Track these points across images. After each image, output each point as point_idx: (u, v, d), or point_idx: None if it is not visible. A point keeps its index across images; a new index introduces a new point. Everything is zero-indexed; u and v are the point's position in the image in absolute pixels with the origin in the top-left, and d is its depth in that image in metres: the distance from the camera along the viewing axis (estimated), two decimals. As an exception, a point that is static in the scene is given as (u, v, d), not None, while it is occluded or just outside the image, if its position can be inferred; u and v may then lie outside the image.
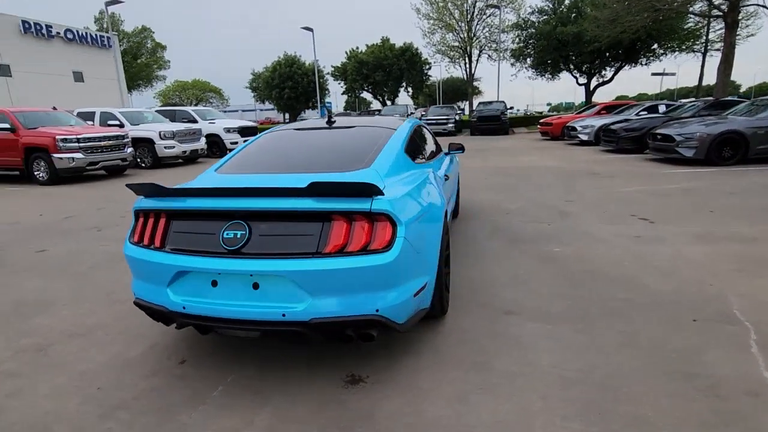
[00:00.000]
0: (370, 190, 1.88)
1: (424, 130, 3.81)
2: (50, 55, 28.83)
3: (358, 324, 1.90)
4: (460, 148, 4.34)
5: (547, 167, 9.21)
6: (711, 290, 2.95)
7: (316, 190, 1.86)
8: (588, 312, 2.72)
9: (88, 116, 12.19)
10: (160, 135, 11.58)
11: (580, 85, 27.49)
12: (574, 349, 2.31)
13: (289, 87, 35.93)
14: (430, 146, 3.67)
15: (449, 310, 2.81)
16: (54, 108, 10.62)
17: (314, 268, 1.82)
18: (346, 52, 38.42)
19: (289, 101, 36.65)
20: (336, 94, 53.66)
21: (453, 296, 3.00)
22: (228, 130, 14.29)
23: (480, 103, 23.18)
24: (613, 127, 11.54)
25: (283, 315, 1.85)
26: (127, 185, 2.22)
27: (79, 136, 9.18)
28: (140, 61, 39.93)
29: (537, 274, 3.36)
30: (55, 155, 8.94)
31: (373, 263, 1.84)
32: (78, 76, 30.93)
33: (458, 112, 23.69)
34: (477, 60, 29.86)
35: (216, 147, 14.21)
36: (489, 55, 29.62)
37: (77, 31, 30.64)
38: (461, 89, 47.59)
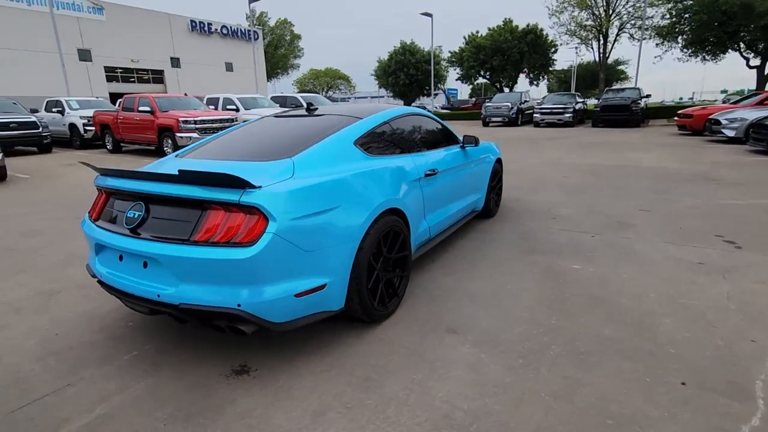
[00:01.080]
0: (240, 182, 1.83)
1: (418, 119, 3.51)
2: (208, 49, 33.91)
3: (222, 316, 1.88)
4: (473, 141, 3.90)
5: (654, 168, 7.71)
6: (745, 348, 2.18)
7: (185, 178, 1.88)
8: (546, 347, 2.25)
9: (214, 101, 14.10)
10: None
11: (750, 68, 22.10)
12: (487, 387, 1.94)
13: (405, 74, 36.18)
14: (418, 137, 3.38)
15: (391, 317, 2.60)
16: (185, 94, 12.54)
17: (180, 254, 1.85)
18: (464, 37, 37.08)
19: (403, 88, 36.99)
20: (452, 82, 52.34)
21: (407, 303, 2.76)
22: (329, 116, 15.13)
23: (608, 90, 20.38)
24: (766, 122, 9.09)
25: (158, 296, 1.94)
26: (80, 162, 2.55)
27: (196, 119, 10.70)
28: (279, 52, 44.53)
29: (526, 293, 2.88)
30: (178, 134, 10.58)
31: (230, 257, 1.80)
32: (229, 66, 35.85)
33: (580, 101, 21.12)
34: (615, 40, 26.18)
35: (318, 131, 15.22)
36: (631, 35, 25.71)
37: (230, 27, 35.39)
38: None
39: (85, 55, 27.11)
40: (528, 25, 35.10)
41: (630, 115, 17.55)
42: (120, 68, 29.31)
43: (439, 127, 3.78)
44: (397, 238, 2.62)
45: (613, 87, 23.91)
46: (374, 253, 2.39)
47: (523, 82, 39.37)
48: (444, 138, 3.77)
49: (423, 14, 28.92)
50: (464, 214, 3.97)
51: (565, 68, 55.27)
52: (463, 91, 66.88)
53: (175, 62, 32.16)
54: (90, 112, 13.54)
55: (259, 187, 1.90)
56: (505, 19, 35.76)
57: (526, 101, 22.21)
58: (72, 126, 13.88)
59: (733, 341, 2.25)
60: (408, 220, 2.75)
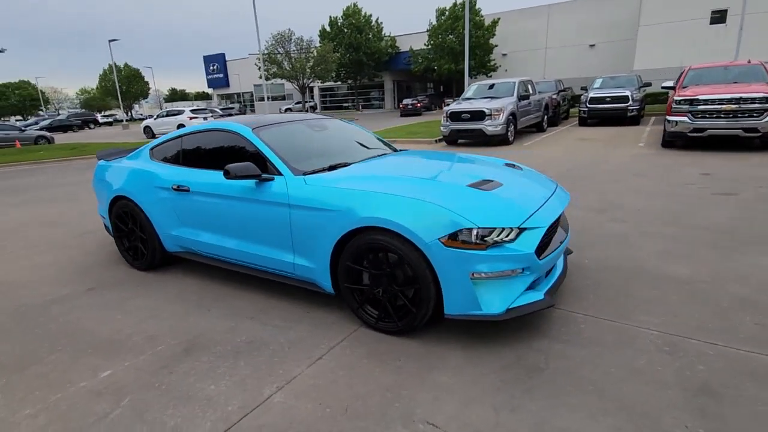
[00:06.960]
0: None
1: (220, 137, 3.32)
2: None
3: None
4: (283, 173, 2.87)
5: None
6: None
7: None
8: None
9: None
10: None
11: None
12: None
13: None
14: (201, 154, 3.40)
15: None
16: (748, 61, 9.00)
17: None
18: None
19: None
20: None
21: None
22: None
23: None
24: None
25: None
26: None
27: (694, 98, 8.24)
28: None
29: None
30: (668, 117, 8.69)
31: None
32: None
33: None
34: None
35: None
36: None
37: None
38: None
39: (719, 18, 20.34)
40: None
41: None
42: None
43: (245, 150, 3.13)
44: (135, 216, 3.65)
45: None
46: (121, 218, 3.80)
47: None
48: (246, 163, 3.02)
49: None
50: (271, 267, 2.93)
51: None
52: None
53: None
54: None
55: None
56: None
57: None
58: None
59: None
60: (145, 212, 3.54)
